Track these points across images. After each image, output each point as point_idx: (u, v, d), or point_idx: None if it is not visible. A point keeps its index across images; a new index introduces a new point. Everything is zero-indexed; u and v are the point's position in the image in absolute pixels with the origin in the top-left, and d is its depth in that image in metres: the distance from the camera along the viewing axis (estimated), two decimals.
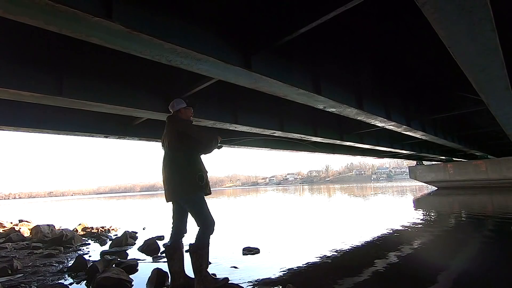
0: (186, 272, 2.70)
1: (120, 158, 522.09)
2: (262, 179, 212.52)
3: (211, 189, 2.71)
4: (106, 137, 5.62)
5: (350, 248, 4.17)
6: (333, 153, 11.72)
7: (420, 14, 2.25)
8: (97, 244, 5.56)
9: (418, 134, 7.72)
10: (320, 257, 3.75)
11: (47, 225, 6.39)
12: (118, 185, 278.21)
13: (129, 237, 5.35)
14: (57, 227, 7.05)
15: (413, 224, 6.03)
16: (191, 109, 2.85)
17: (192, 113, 2.88)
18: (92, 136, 5.54)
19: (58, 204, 35.25)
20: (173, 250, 2.64)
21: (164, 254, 4.23)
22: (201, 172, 2.57)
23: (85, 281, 3.11)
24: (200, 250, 2.48)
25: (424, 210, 8.97)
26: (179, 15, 2.47)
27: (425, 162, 22.12)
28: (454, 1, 2.07)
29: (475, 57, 3.07)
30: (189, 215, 2.65)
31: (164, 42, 2.32)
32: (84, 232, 6.97)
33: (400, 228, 5.62)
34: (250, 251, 4.17)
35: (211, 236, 2.56)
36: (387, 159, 18.56)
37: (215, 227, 2.57)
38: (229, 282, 2.69)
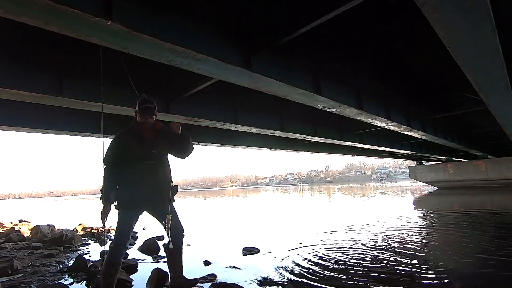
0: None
1: None
2: (262, 179, 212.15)
3: (177, 191, 2.66)
4: (106, 137, 5.61)
5: (351, 247, 4.16)
6: (333, 153, 11.74)
7: (420, 14, 2.25)
8: (97, 244, 5.55)
9: (418, 134, 7.73)
10: (321, 256, 3.74)
11: (47, 225, 6.38)
12: None
13: None
14: (57, 227, 7.04)
15: (413, 225, 6.03)
16: (141, 114, 2.34)
17: (142, 117, 2.35)
18: (92, 136, 5.54)
19: (58, 204, 35.23)
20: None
21: (164, 254, 4.26)
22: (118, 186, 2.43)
23: (85, 281, 3.10)
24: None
25: (424, 211, 8.97)
26: (179, 15, 2.47)
27: (425, 162, 22.12)
28: (454, 1, 2.07)
29: (475, 57, 3.08)
30: (178, 216, 2.62)
31: (164, 42, 2.33)
32: (84, 232, 6.96)
33: (401, 227, 5.62)
34: (250, 251, 4.17)
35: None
36: (387, 159, 18.58)
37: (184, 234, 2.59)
38: (229, 282, 2.70)
